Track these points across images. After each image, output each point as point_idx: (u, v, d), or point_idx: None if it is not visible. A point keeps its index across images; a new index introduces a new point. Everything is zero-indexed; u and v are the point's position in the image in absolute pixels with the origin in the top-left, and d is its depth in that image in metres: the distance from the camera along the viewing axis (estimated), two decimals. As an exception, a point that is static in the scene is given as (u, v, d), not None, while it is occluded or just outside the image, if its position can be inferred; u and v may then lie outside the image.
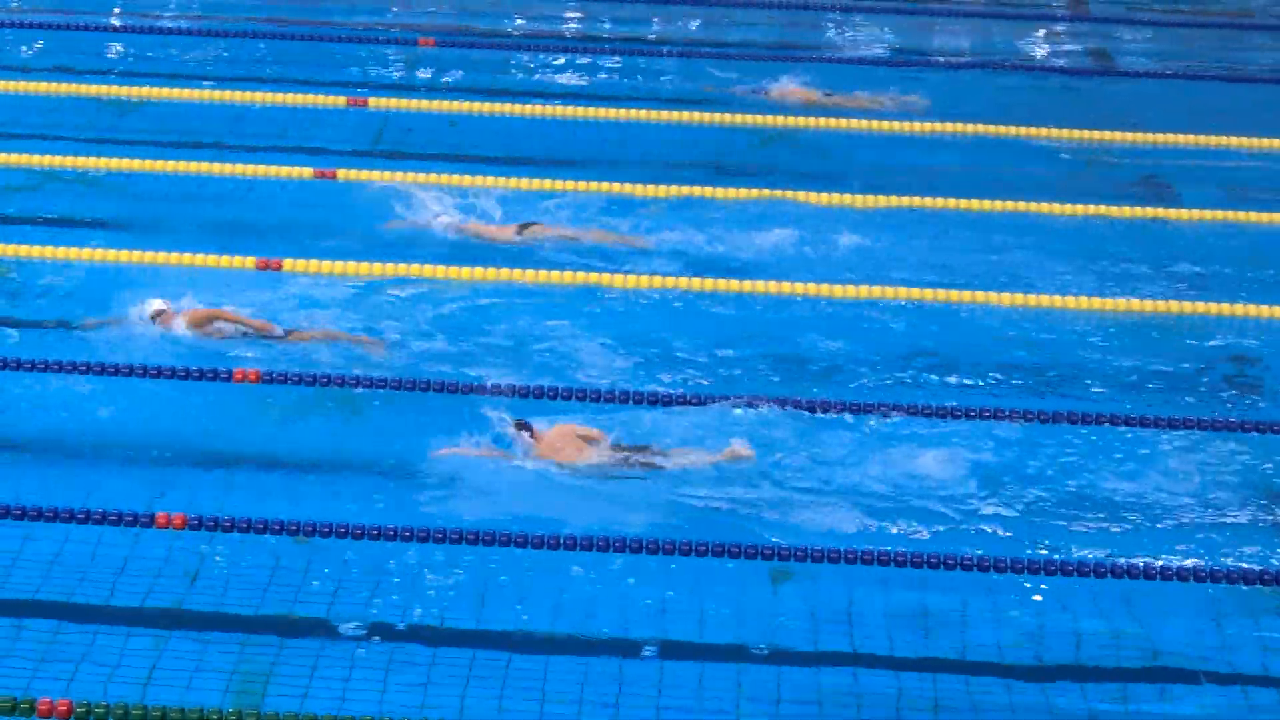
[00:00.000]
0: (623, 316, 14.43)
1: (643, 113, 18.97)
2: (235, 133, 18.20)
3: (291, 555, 10.87)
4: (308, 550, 10.88)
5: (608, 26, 22.64)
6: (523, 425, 12.21)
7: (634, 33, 22.34)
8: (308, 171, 16.80)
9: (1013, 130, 18.88)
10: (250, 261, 14.84)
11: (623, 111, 18.96)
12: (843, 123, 18.71)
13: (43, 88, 19.03)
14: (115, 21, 21.87)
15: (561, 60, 20.99)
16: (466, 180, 16.70)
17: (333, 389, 12.85)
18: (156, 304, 13.51)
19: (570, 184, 16.65)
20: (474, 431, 12.13)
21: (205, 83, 19.46)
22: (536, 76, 20.47)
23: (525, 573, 10.82)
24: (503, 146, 18.20)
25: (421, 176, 16.71)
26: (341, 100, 18.93)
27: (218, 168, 16.84)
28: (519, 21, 22.62)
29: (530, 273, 14.86)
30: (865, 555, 10.88)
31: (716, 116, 18.83)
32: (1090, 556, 11.17)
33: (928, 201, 16.71)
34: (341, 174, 16.83)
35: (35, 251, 14.94)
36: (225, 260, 14.86)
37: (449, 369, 13.27)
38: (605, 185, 16.65)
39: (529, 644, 10.19)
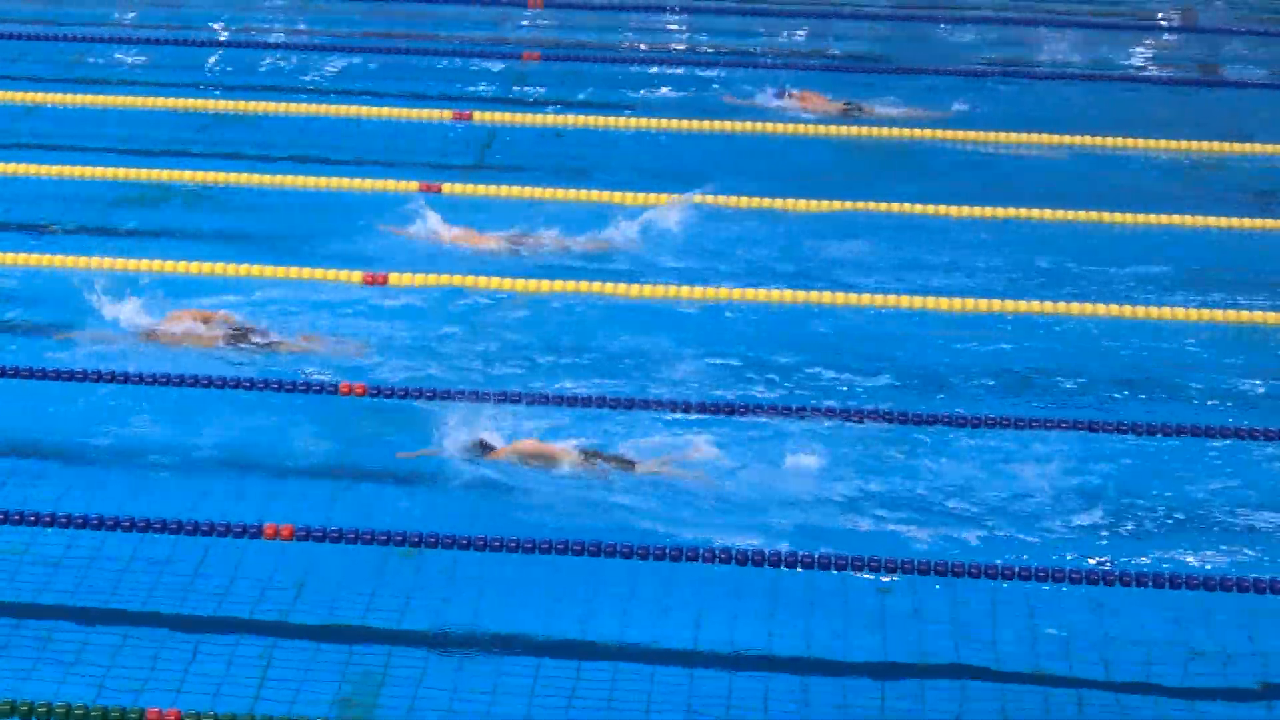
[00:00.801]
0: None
1: (745, 124, 18.95)
2: (342, 148, 18.29)
3: (397, 565, 10.91)
4: (414, 560, 10.92)
5: (707, 39, 22.65)
6: (483, 445, 12.21)
7: (738, 44, 22.32)
8: (414, 185, 16.86)
9: (1119, 142, 18.73)
10: (357, 276, 14.90)
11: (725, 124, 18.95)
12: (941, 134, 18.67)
13: (156, 102, 19.22)
14: (222, 36, 22.05)
15: (656, 72, 21.01)
16: (561, 194, 16.74)
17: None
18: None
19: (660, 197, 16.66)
20: None
21: (311, 96, 19.60)
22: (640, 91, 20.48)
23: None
24: (603, 158, 18.22)
25: (524, 190, 16.77)
26: (447, 114, 19.01)
27: (324, 181, 16.94)
28: (624, 35, 22.66)
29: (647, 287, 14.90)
30: (974, 569, 10.84)
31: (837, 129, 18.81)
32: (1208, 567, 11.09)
33: (1024, 212, 16.63)
34: (446, 188, 16.87)
35: (144, 265, 15.06)
36: (332, 274, 14.93)
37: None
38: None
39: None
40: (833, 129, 18.95)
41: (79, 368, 13.21)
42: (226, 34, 22.15)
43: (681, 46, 22.59)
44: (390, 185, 16.87)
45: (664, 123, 18.86)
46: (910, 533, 11.46)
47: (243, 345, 13.60)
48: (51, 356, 13.51)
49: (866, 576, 10.85)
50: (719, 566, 10.88)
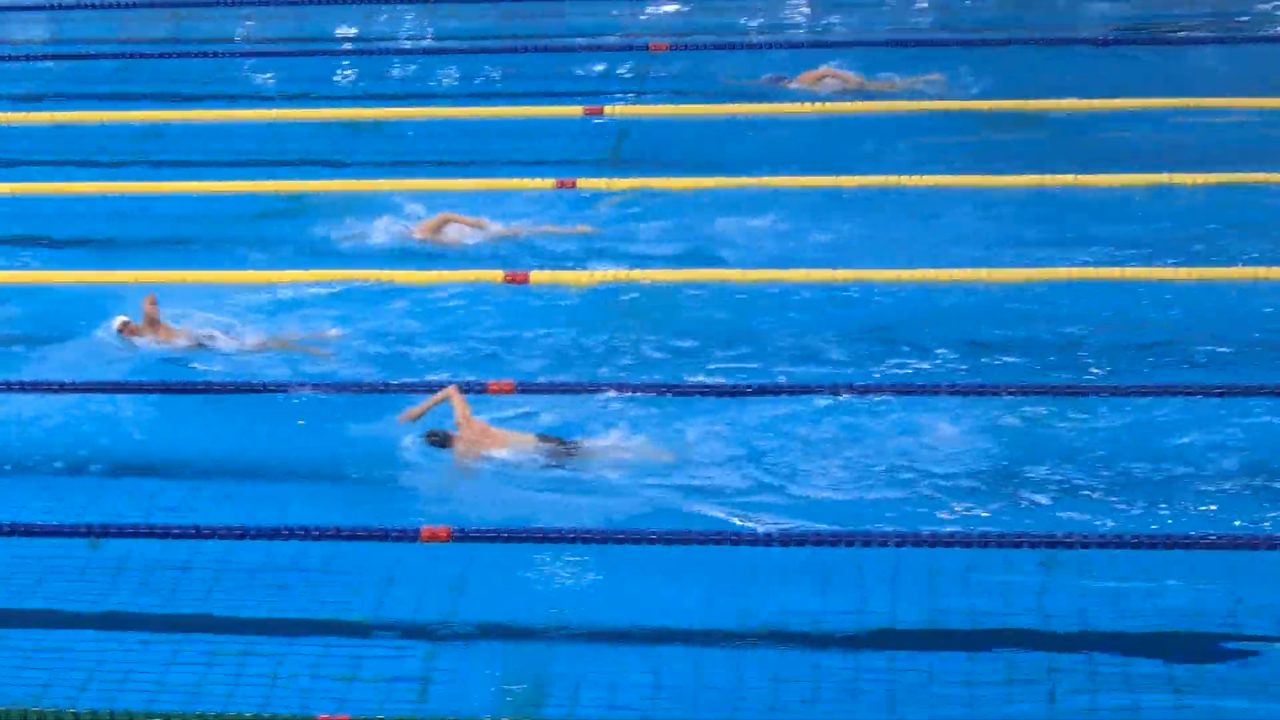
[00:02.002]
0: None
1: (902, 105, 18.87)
2: (475, 149, 18.35)
3: (553, 564, 10.96)
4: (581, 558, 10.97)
5: (836, 21, 22.53)
6: (434, 437, 12.22)
7: (864, 27, 22.21)
8: (549, 182, 16.89)
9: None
10: (499, 275, 14.95)
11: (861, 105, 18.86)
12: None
13: (286, 114, 19.38)
14: (349, 45, 22.19)
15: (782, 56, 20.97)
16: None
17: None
18: None
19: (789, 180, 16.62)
20: None
21: (441, 101, 19.68)
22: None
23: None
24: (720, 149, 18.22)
25: (660, 181, 16.79)
26: (578, 110, 19.03)
27: (460, 184, 17.00)
28: (751, 22, 22.58)
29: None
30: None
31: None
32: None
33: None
34: (581, 183, 16.88)
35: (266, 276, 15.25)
36: (472, 274, 15.00)
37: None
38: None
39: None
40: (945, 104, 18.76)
41: (245, 379, 13.34)
42: (353, 43, 22.28)
43: (807, 32, 22.45)
44: (526, 183, 16.90)
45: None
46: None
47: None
48: (209, 369, 13.69)
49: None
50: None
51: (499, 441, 12.19)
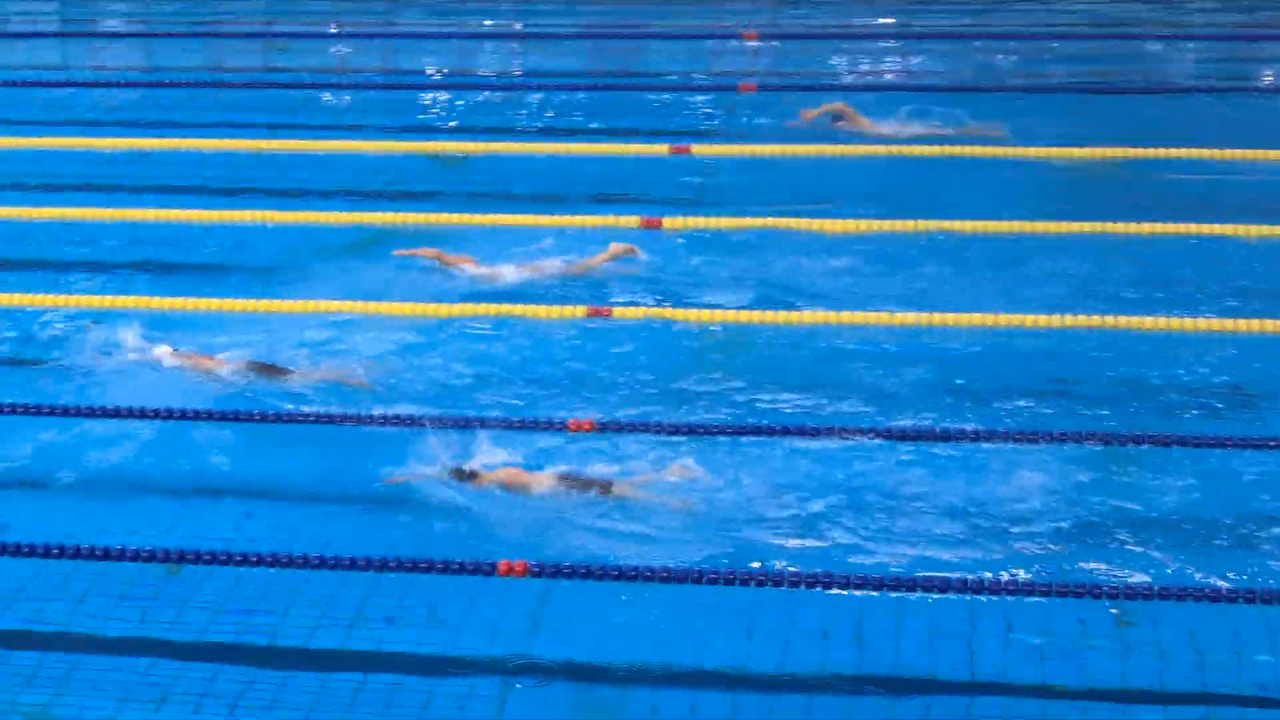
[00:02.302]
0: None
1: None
2: (561, 185, 18.40)
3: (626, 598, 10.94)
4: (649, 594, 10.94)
5: (933, 65, 22.52)
6: (460, 473, 12.19)
7: (954, 72, 22.18)
8: (635, 220, 16.91)
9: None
10: (581, 310, 14.96)
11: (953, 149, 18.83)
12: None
13: (377, 146, 19.51)
14: (438, 79, 22.31)
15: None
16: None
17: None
18: None
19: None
20: None
21: (528, 136, 19.75)
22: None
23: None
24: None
25: (746, 221, 16.78)
26: (664, 149, 19.05)
27: (546, 220, 17.04)
28: (837, 61, 22.60)
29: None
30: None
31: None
32: None
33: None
34: (667, 222, 16.89)
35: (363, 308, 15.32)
36: (555, 310, 15.01)
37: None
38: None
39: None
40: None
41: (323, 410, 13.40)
42: (442, 76, 22.40)
43: (902, 74, 22.45)
44: (610, 221, 16.91)
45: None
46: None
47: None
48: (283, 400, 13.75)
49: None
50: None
51: (518, 480, 12.19)
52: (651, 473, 12.22)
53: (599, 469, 12.26)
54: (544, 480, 12.14)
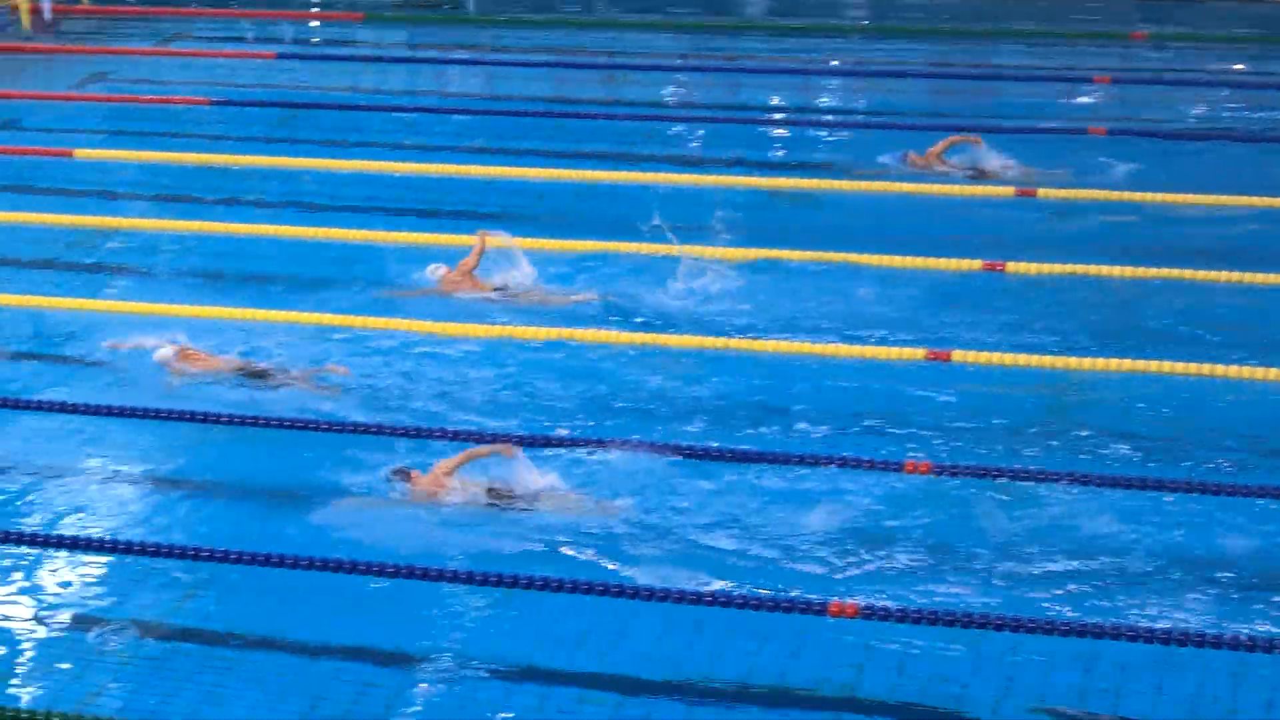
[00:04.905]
0: None
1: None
2: (905, 227, 18.21)
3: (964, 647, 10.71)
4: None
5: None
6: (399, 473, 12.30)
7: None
8: (977, 264, 16.66)
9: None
10: (921, 353, 14.76)
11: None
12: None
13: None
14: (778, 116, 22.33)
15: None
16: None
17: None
18: None
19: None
20: None
21: (867, 177, 19.60)
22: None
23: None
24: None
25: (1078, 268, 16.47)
26: (1010, 191, 18.78)
27: (897, 261, 16.86)
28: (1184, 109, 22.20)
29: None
30: None
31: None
32: None
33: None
34: (1010, 267, 16.61)
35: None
36: (896, 353, 14.82)
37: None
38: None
39: None
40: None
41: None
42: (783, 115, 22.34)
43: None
44: (952, 264, 16.69)
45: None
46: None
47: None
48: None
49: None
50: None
51: (451, 487, 12.24)
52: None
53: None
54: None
